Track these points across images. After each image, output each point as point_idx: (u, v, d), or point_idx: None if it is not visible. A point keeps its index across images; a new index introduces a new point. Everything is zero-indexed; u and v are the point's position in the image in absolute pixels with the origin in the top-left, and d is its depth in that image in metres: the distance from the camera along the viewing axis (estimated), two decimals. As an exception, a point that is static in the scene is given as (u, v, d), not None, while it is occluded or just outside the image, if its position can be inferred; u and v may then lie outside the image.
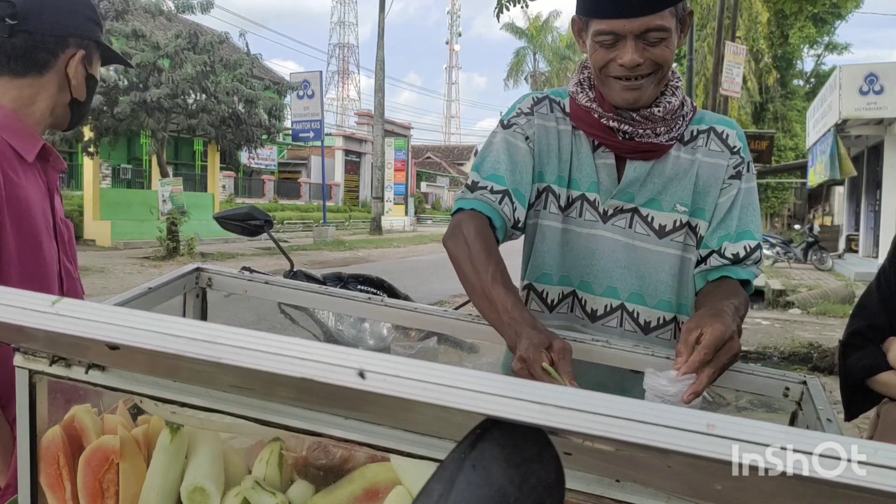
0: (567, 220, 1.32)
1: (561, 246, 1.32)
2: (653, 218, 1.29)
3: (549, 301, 1.34)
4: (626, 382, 1.19)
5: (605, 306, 1.31)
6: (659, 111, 1.23)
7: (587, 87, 1.29)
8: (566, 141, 1.32)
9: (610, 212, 1.30)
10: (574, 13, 1.26)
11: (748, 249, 1.23)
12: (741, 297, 1.18)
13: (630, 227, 1.29)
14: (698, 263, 1.28)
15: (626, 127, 1.25)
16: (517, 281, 1.27)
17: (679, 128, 1.28)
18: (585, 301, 1.32)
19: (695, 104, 1.35)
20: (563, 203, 1.32)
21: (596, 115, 1.27)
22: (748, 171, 1.29)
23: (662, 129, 1.25)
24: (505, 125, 1.33)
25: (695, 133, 1.30)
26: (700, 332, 0.96)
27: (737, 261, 1.23)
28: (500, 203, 1.23)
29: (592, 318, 1.31)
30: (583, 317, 1.32)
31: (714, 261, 1.24)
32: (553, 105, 1.34)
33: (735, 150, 1.28)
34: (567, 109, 1.33)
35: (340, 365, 0.46)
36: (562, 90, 1.37)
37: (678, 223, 1.28)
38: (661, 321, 1.30)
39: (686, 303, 1.30)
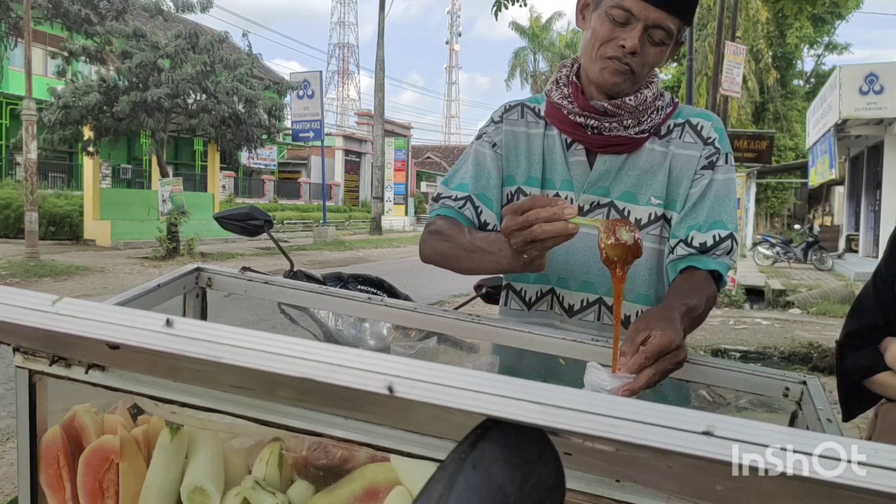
0: None
1: None
2: (629, 212, 1.29)
3: (527, 299, 1.36)
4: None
5: (582, 301, 1.32)
6: (631, 100, 1.24)
7: (563, 84, 1.31)
8: (537, 143, 1.34)
9: (586, 207, 1.31)
10: None
11: (717, 239, 1.21)
12: (704, 292, 1.15)
13: None
14: (668, 254, 1.27)
15: (594, 122, 1.26)
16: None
17: (651, 120, 1.28)
18: (563, 297, 1.33)
19: (676, 99, 1.35)
20: None
21: (565, 112, 1.29)
22: (725, 162, 1.27)
23: (631, 121, 1.26)
24: (477, 137, 1.38)
25: (671, 127, 1.30)
26: (648, 335, 0.94)
27: (704, 250, 1.21)
28: (461, 208, 1.29)
29: (570, 313, 1.33)
30: (561, 313, 1.33)
31: (681, 250, 1.23)
32: (525, 111, 1.37)
33: (709, 140, 1.28)
34: (541, 113, 1.36)
35: (341, 365, 0.46)
36: (539, 96, 1.40)
37: (654, 216, 1.28)
38: (640, 314, 1.30)
39: (664, 295, 1.29)
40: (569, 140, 1.31)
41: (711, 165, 1.26)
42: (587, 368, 0.95)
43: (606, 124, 1.26)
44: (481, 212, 1.30)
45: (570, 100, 1.29)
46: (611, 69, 1.21)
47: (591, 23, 1.24)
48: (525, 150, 1.34)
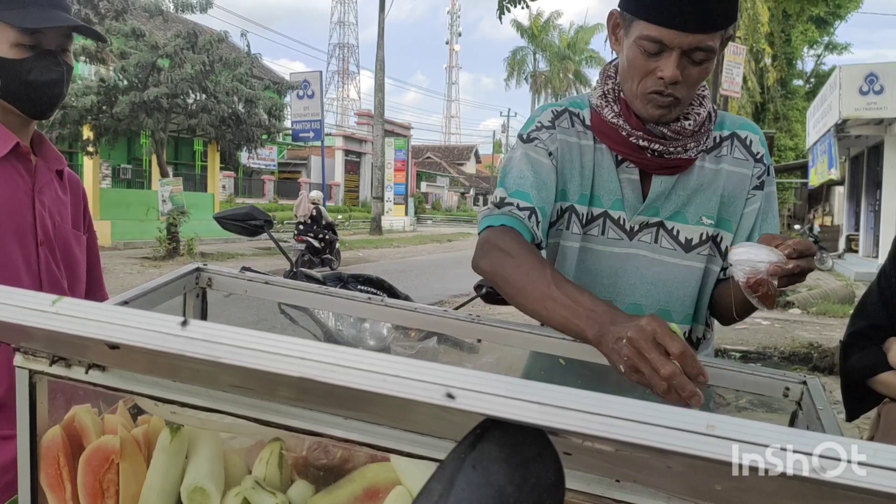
0: (587, 239, 1.27)
1: (578, 265, 1.28)
2: (678, 231, 1.25)
3: None
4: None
5: None
6: (690, 124, 1.19)
7: (612, 99, 1.23)
8: (588, 157, 1.26)
9: (636, 228, 1.26)
10: (616, 7, 1.18)
11: None
12: None
13: (656, 241, 1.25)
14: (719, 279, 1.26)
15: (657, 146, 1.20)
16: None
17: (707, 139, 1.25)
18: None
19: (715, 107, 1.31)
20: (583, 221, 1.27)
21: (624, 133, 1.21)
22: (769, 175, 1.28)
23: (692, 143, 1.22)
24: (525, 139, 1.27)
25: (718, 140, 1.27)
26: (780, 241, 0.99)
27: None
28: (528, 220, 1.18)
29: None
30: None
31: None
32: (573, 118, 1.28)
33: (758, 157, 1.27)
34: (587, 122, 1.27)
35: (340, 365, 0.46)
36: (579, 100, 1.32)
37: (704, 236, 1.25)
38: (684, 336, 1.26)
39: (700, 312, 1.29)
40: (619, 157, 1.24)
41: (762, 185, 1.27)
42: (733, 249, 1.02)
43: (671, 148, 1.20)
44: (541, 227, 1.20)
45: (623, 117, 1.21)
46: (654, 104, 1.15)
47: (624, 47, 1.17)
48: (578, 163, 1.25)
